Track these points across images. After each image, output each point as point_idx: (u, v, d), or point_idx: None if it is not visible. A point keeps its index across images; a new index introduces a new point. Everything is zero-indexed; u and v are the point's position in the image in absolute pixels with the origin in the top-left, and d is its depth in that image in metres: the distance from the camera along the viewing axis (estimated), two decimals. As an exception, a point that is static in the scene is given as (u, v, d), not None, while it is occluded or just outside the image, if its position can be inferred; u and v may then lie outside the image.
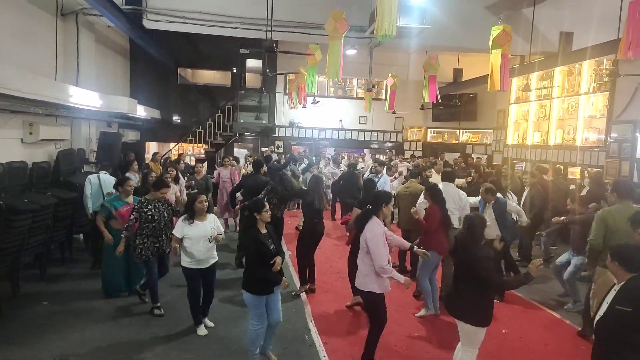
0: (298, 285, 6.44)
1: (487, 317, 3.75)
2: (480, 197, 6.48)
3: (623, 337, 3.06)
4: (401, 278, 4.24)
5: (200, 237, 4.74)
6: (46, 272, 6.50)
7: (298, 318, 5.51)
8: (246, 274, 4.23)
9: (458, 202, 6.25)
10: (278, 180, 6.89)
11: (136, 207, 5.28)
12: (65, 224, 6.87)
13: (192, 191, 7.93)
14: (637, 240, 3.93)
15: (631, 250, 3.24)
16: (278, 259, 4.15)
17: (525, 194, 7.94)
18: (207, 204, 4.91)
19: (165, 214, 5.33)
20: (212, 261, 4.92)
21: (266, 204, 4.37)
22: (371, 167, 11.02)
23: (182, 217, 4.88)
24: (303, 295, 6.17)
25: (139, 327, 5.10)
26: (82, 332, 4.89)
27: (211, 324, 5.10)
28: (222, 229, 5.05)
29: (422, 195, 6.50)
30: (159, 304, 5.44)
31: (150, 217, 5.20)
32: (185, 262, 4.80)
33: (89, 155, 9.64)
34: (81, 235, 7.96)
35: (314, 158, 13.58)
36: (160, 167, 10.00)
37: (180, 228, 4.78)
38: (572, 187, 8.55)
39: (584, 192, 7.52)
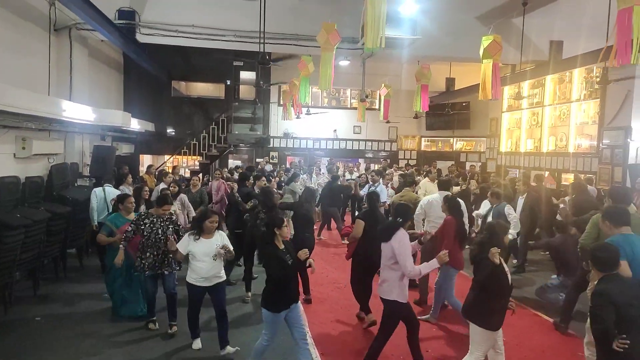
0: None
1: (490, 320, 3.82)
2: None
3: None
4: (433, 264, 4.29)
5: (205, 255, 4.59)
6: (39, 287, 6.43)
7: (294, 330, 5.48)
8: (265, 291, 4.17)
9: None
10: (262, 193, 6.79)
11: (134, 220, 5.22)
12: (59, 238, 6.82)
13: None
14: (604, 231, 4.11)
15: (599, 250, 3.38)
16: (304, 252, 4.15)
17: (521, 202, 7.94)
18: (217, 224, 4.76)
19: (160, 232, 5.13)
20: (217, 280, 4.71)
21: (285, 219, 4.33)
22: (361, 175, 11.14)
23: (189, 232, 4.76)
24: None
25: (135, 343, 5.04)
26: (77, 348, 4.83)
27: (232, 349, 4.74)
28: (230, 247, 4.75)
29: (418, 208, 6.50)
30: (154, 318, 5.38)
31: (142, 231, 5.12)
32: (190, 278, 4.66)
33: (83, 169, 9.60)
34: (74, 250, 7.90)
35: (306, 168, 13.59)
36: (155, 180, 9.98)
37: (185, 243, 4.65)
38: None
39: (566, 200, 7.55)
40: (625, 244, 3.75)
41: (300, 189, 9.34)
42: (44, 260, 6.61)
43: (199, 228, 4.67)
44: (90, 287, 6.68)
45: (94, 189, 7.33)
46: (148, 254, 5.11)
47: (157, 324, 5.35)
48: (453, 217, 5.53)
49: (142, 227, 5.13)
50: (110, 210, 7.10)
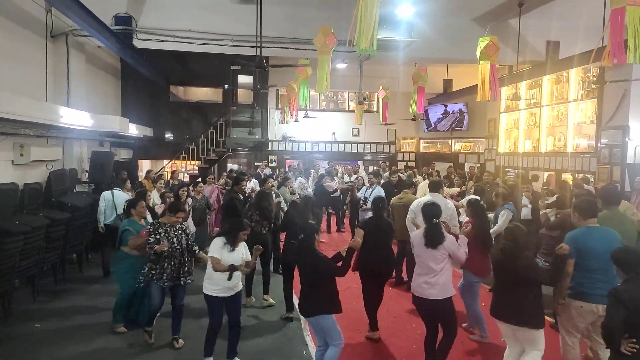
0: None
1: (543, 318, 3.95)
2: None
3: None
4: (463, 239, 4.58)
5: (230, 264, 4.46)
6: (38, 294, 6.41)
7: (295, 332, 5.48)
8: (323, 297, 4.18)
9: (445, 211, 6.23)
10: (258, 196, 6.74)
11: (150, 229, 4.98)
12: (58, 245, 6.81)
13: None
14: (574, 223, 4.26)
15: (622, 253, 3.38)
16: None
17: (526, 202, 7.95)
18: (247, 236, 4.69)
19: (175, 241, 4.94)
20: (237, 289, 4.61)
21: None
22: (358, 178, 11.19)
23: (223, 241, 4.55)
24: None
25: (136, 352, 4.99)
26: (77, 356, 4.82)
27: None
28: (249, 257, 4.70)
29: (409, 212, 6.45)
30: (151, 329, 5.19)
31: (157, 241, 4.85)
32: (208, 289, 4.51)
33: (81, 175, 9.59)
34: (74, 256, 7.89)
35: (303, 171, 13.60)
36: (154, 185, 9.96)
37: (219, 251, 4.48)
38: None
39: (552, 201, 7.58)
40: (581, 237, 3.91)
41: (292, 194, 9.29)
42: (43, 267, 6.60)
43: (234, 238, 4.54)
44: (90, 294, 6.68)
45: (103, 193, 7.63)
46: (165, 265, 4.91)
47: (152, 337, 5.16)
48: (475, 221, 5.37)
49: (158, 238, 4.88)
50: (118, 214, 7.17)
